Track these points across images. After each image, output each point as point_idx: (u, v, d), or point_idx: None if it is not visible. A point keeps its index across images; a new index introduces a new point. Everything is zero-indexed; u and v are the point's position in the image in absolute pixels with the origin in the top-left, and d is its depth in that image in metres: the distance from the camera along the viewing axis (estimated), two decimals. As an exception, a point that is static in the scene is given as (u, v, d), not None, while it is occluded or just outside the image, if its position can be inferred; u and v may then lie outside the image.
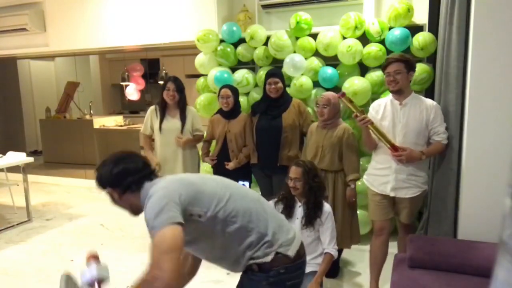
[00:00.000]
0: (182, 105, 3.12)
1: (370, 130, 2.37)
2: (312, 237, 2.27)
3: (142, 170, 1.45)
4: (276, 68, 3.27)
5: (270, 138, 2.93)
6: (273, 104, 2.97)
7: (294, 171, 2.27)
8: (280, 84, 2.92)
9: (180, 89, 3.10)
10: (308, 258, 2.27)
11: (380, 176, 2.43)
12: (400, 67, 2.31)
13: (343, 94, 2.39)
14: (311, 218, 2.23)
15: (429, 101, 2.36)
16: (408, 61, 2.32)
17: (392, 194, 2.40)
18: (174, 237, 1.23)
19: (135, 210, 1.48)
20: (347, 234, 2.68)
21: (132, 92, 6.35)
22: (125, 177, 1.42)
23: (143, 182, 1.43)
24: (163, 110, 3.12)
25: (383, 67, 2.41)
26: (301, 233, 2.25)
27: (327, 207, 2.29)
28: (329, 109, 2.64)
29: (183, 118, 3.11)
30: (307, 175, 2.25)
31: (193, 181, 1.43)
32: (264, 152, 2.99)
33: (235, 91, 3.13)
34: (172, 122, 3.11)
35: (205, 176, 1.58)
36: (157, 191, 1.34)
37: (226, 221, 1.39)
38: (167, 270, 1.20)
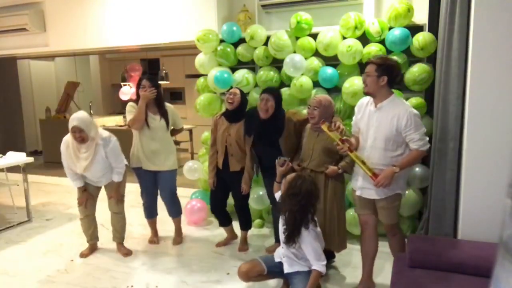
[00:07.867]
0: (159, 101, 3.18)
1: (352, 157, 2.31)
2: (299, 245, 2.28)
3: None
4: (274, 87, 3.20)
5: (272, 159, 2.71)
6: (266, 128, 2.83)
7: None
8: (271, 103, 2.76)
9: (155, 85, 3.14)
10: (301, 259, 2.32)
11: (355, 173, 2.48)
12: (370, 70, 2.21)
13: (323, 122, 2.38)
14: (288, 241, 2.27)
15: (404, 107, 2.21)
16: (381, 65, 2.18)
17: (358, 193, 2.41)
18: None
19: None
20: (335, 238, 2.66)
21: (127, 92, 6.12)
22: None
23: None
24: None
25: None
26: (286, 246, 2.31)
27: (306, 231, 2.24)
28: (319, 111, 2.59)
29: (165, 116, 3.19)
30: (287, 190, 2.27)
31: None
32: (266, 167, 2.98)
33: (243, 94, 3.10)
34: (155, 119, 3.18)
35: None
36: None
37: None
38: None
